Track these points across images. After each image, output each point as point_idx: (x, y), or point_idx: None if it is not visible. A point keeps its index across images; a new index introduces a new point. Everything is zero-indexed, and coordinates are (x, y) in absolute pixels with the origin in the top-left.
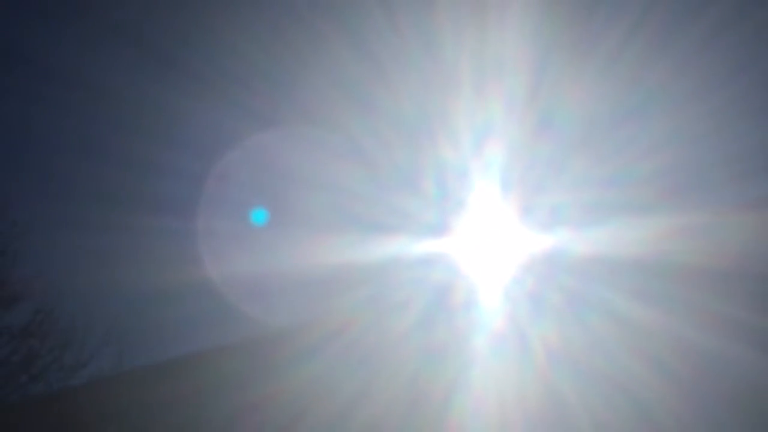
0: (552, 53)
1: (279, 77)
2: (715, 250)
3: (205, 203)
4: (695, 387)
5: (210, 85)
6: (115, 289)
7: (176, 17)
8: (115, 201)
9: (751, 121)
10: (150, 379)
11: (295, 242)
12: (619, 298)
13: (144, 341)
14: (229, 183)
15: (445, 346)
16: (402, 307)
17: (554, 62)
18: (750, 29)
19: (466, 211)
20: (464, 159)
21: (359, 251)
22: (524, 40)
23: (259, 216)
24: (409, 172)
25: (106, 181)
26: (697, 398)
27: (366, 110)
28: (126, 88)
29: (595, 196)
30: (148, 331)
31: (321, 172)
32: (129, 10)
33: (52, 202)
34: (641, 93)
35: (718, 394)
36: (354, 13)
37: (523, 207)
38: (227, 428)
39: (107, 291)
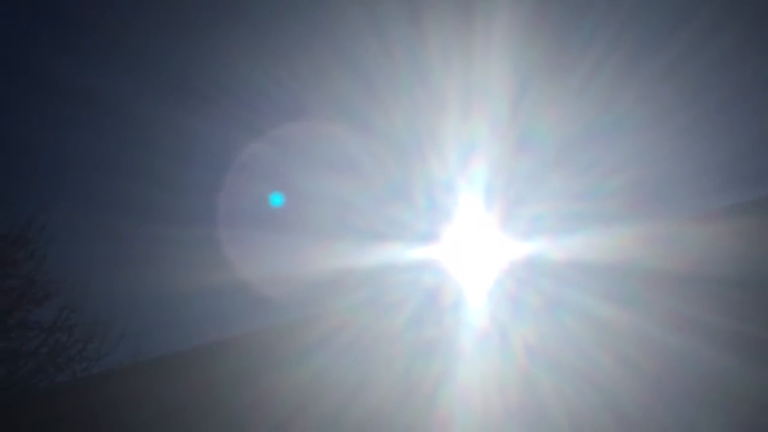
0: (530, 80)
1: (289, 104)
2: (676, 256)
3: (215, 214)
4: (659, 380)
5: (222, 109)
6: (132, 289)
7: (190, 40)
8: (133, 209)
9: (706, 144)
10: (160, 370)
11: (300, 249)
12: (591, 300)
13: (159, 336)
14: (240, 196)
15: (435, 341)
16: (395, 306)
17: (532, 88)
18: (709, 58)
19: (453, 221)
20: (451, 174)
21: (357, 257)
22: (505, 68)
23: (276, 199)
24: (402, 186)
25: (124, 190)
26: (660, 390)
27: (363, 132)
28: (148, 110)
29: (569, 208)
30: (163, 327)
31: (323, 186)
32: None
33: (78, 210)
34: (609, 117)
35: (681, 387)
36: (354, 47)
37: (504, 217)
38: (238, 416)
39: (125, 290)
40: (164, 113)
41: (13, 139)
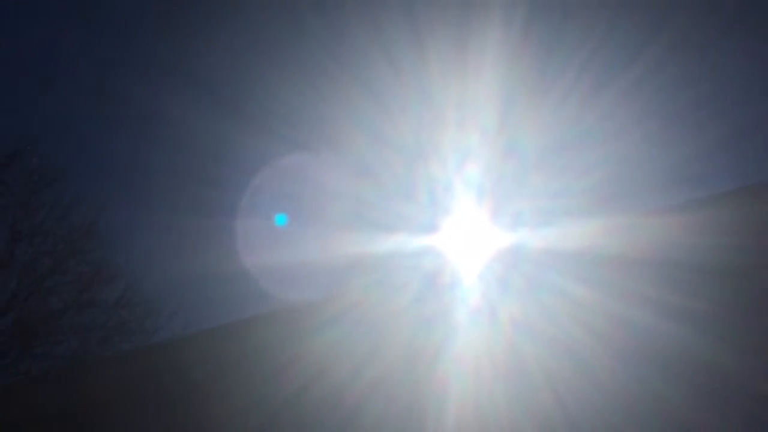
0: (515, 95)
1: (308, 113)
2: (638, 244)
3: (246, 208)
4: (625, 349)
5: (253, 119)
6: (181, 271)
7: (229, 60)
8: (180, 204)
9: (664, 148)
10: (206, 340)
11: (317, 238)
12: (567, 282)
13: (204, 312)
14: (265, 193)
15: (434, 316)
16: (401, 287)
17: (517, 102)
18: (671, 74)
19: (450, 215)
20: (448, 175)
21: (369, 245)
22: (494, 85)
23: (281, 219)
24: (407, 185)
25: (173, 189)
26: (625, 358)
27: (373, 139)
28: (196, 124)
29: (548, 204)
30: (206, 304)
31: (338, 184)
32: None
33: (137, 206)
34: (582, 126)
35: (643, 356)
36: (367, 70)
37: (493, 212)
38: (269, 381)
39: (175, 273)
40: (210, 126)
41: (90, 148)
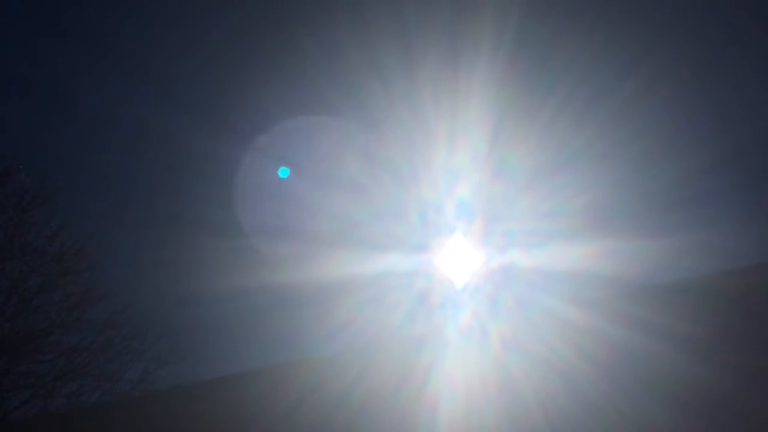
0: (505, 118)
1: (300, 135)
2: (627, 266)
3: (240, 227)
4: (613, 369)
5: (245, 139)
6: (169, 294)
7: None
8: (170, 226)
9: (652, 171)
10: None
11: (312, 259)
12: (556, 302)
13: (192, 334)
14: (257, 212)
15: (425, 335)
16: (393, 306)
17: (507, 125)
18: (664, 98)
19: (441, 235)
20: (440, 196)
21: (361, 264)
22: (484, 108)
23: (284, 172)
24: (399, 206)
25: (161, 211)
26: (614, 377)
27: (367, 160)
28: (183, 142)
29: (537, 225)
30: (194, 326)
31: (333, 205)
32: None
33: (127, 229)
34: (571, 149)
35: (631, 375)
36: (360, 93)
37: (484, 232)
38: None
39: (163, 295)
40: (198, 145)
41: (80, 169)
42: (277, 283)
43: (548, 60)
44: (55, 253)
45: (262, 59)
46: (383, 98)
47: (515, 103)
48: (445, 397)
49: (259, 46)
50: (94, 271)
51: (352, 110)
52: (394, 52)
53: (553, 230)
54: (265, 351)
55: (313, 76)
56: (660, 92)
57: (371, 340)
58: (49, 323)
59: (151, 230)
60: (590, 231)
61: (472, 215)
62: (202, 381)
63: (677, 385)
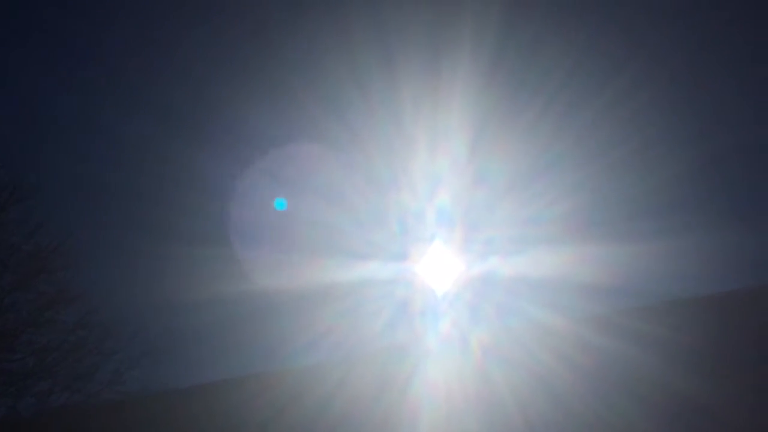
0: (485, 125)
1: (280, 143)
2: (605, 272)
3: (219, 235)
4: (592, 374)
5: (223, 146)
6: (142, 296)
7: (196, 89)
8: (147, 230)
9: (631, 177)
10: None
11: (292, 267)
12: (536, 309)
13: (166, 338)
14: (234, 220)
15: (406, 343)
16: (373, 314)
17: (487, 131)
18: (642, 105)
19: (421, 243)
20: (420, 203)
21: (342, 272)
22: (464, 115)
23: (280, 204)
24: (379, 213)
25: (139, 213)
26: (593, 382)
27: (349, 169)
28: (163, 149)
29: (517, 232)
30: (170, 331)
31: (314, 213)
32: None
33: (102, 229)
34: (550, 156)
35: (610, 380)
36: (340, 100)
37: (464, 240)
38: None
39: (136, 297)
40: (178, 153)
41: (57, 171)
42: (257, 291)
43: (528, 67)
44: (30, 251)
45: (240, 68)
46: (363, 106)
47: (495, 110)
48: (426, 405)
49: (238, 54)
50: (69, 271)
51: (332, 118)
52: (374, 59)
53: (533, 237)
54: (245, 359)
55: (293, 84)
56: (640, 98)
57: (352, 349)
58: (21, 322)
59: (129, 235)
60: (570, 238)
61: (452, 223)
62: (181, 389)
63: (657, 391)
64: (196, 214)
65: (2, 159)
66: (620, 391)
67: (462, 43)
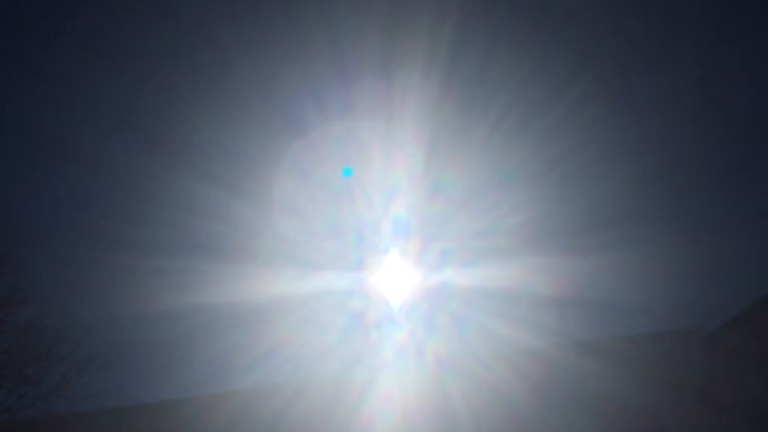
0: (440, 137)
1: (236, 153)
2: (558, 284)
3: (171, 247)
4: (544, 385)
5: (175, 155)
6: (93, 304)
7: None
8: (98, 239)
9: (582, 189)
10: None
11: (246, 278)
12: (490, 319)
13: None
14: (187, 231)
15: (361, 354)
16: (328, 325)
17: (442, 144)
18: (592, 118)
19: (377, 254)
20: (376, 215)
21: (297, 284)
22: (420, 128)
23: (347, 172)
24: (335, 225)
25: (90, 223)
26: (545, 393)
27: (304, 179)
28: (119, 161)
29: (472, 244)
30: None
31: (268, 223)
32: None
33: (53, 237)
34: (505, 168)
35: (562, 391)
36: (294, 109)
37: (419, 250)
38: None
39: (87, 304)
40: (128, 162)
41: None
42: (210, 304)
43: (481, 82)
44: None
45: (197, 79)
46: (319, 118)
47: (450, 123)
48: (381, 416)
49: (192, 65)
50: (19, 274)
51: (288, 130)
52: (330, 73)
53: (488, 249)
54: (197, 373)
55: (249, 96)
56: (587, 113)
57: (305, 361)
58: None
59: (80, 243)
60: (524, 249)
61: (408, 234)
62: (125, 407)
63: (607, 401)
64: (149, 224)
65: None
66: (572, 401)
67: (417, 58)
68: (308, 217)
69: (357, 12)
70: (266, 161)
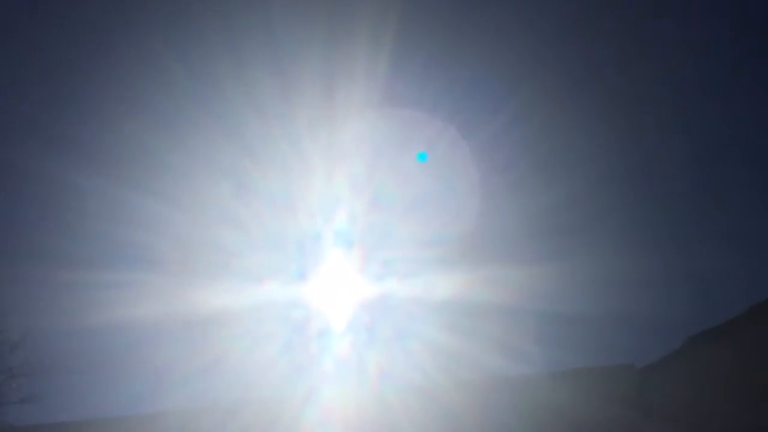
0: (380, 149)
1: (174, 163)
2: (502, 293)
3: (101, 259)
4: (485, 395)
5: (110, 167)
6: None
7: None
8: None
9: (524, 199)
10: None
11: (186, 291)
12: (431, 330)
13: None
14: (121, 245)
15: (302, 366)
16: (269, 337)
17: (382, 156)
18: (535, 128)
19: (319, 264)
20: (318, 225)
21: (237, 296)
22: (363, 136)
23: (422, 156)
24: (276, 236)
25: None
26: (487, 403)
27: (244, 190)
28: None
29: (414, 254)
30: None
31: (207, 237)
32: None
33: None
34: (443, 180)
35: (504, 402)
36: (233, 118)
37: (361, 261)
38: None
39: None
40: (59, 173)
41: None
42: (145, 317)
43: (423, 91)
44: None
45: (122, 82)
46: (258, 127)
47: (391, 133)
48: (322, 428)
49: (128, 75)
50: None
51: (227, 139)
52: (270, 81)
53: (430, 259)
54: (129, 390)
55: (184, 104)
56: (532, 122)
57: (245, 373)
58: None
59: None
60: (466, 259)
61: (350, 245)
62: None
63: (550, 412)
64: (80, 237)
65: None
66: (515, 412)
67: (358, 67)
68: (248, 228)
69: (296, 18)
70: (205, 172)
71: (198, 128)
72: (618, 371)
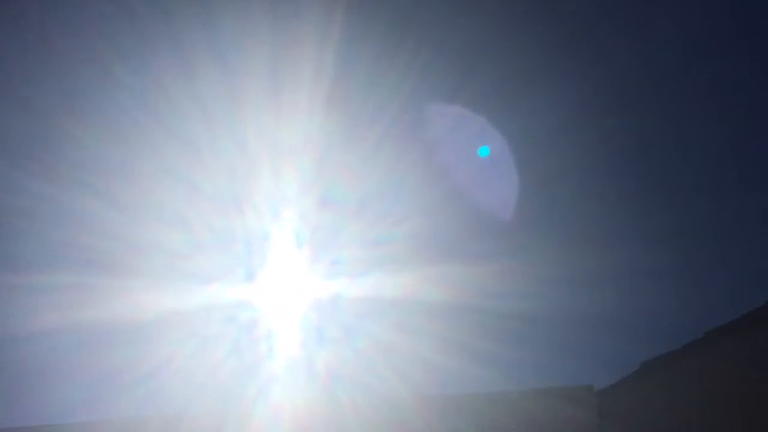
0: (331, 144)
1: (116, 163)
2: (449, 292)
3: (43, 262)
4: (440, 398)
5: (54, 168)
6: None
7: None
8: None
9: (473, 198)
10: None
11: (128, 293)
12: (382, 330)
13: None
14: (65, 246)
15: (250, 367)
16: (216, 339)
17: (333, 151)
18: (484, 124)
19: (267, 264)
20: (265, 223)
21: (182, 298)
22: (311, 133)
23: (484, 151)
24: (223, 235)
25: None
26: (439, 405)
27: (186, 188)
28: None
29: (364, 253)
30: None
31: (150, 237)
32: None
33: None
34: (395, 176)
35: (456, 403)
36: (176, 113)
37: (310, 260)
38: None
39: None
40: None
41: None
42: (85, 321)
43: (371, 88)
44: None
45: (63, 82)
46: (202, 124)
47: (339, 130)
48: (271, 428)
49: (61, 69)
50: None
51: (170, 137)
52: (214, 78)
53: (379, 258)
54: (72, 395)
55: (125, 101)
56: (478, 119)
57: (193, 374)
58: None
59: None
60: (416, 258)
61: (298, 244)
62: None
63: (500, 412)
64: (15, 237)
65: None
66: (465, 412)
67: (304, 64)
68: (193, 228)
69: (241, 16)
70: (148, 170)
71: (140, 125)
72: (576, 392)
